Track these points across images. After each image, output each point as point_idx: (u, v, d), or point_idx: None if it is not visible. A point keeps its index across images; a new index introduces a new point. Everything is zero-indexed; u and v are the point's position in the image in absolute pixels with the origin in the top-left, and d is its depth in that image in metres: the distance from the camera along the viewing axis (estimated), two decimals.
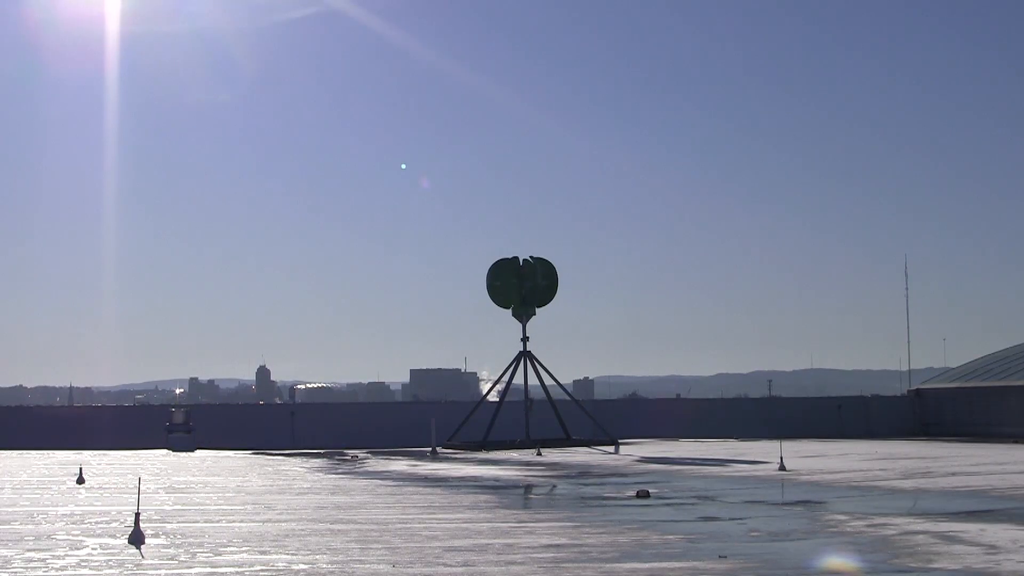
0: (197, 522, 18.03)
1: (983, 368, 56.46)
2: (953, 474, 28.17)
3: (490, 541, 15.39)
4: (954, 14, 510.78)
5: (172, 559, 13.77)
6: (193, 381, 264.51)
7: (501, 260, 48.84)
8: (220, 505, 21.23)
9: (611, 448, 43.74)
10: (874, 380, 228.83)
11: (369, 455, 41.49)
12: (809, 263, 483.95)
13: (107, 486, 26.23)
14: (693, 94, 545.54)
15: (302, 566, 13.13)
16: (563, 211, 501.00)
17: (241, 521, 18.22)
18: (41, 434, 48.17)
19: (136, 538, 15.16)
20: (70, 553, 14.28)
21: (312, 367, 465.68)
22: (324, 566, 13.11)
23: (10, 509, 20.43)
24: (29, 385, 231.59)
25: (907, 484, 25.31)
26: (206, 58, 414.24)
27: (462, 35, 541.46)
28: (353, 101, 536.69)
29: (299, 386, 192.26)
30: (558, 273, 49.18)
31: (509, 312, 48.29)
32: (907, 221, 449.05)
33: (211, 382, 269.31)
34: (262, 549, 14.68)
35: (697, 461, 35.69)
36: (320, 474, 31.14)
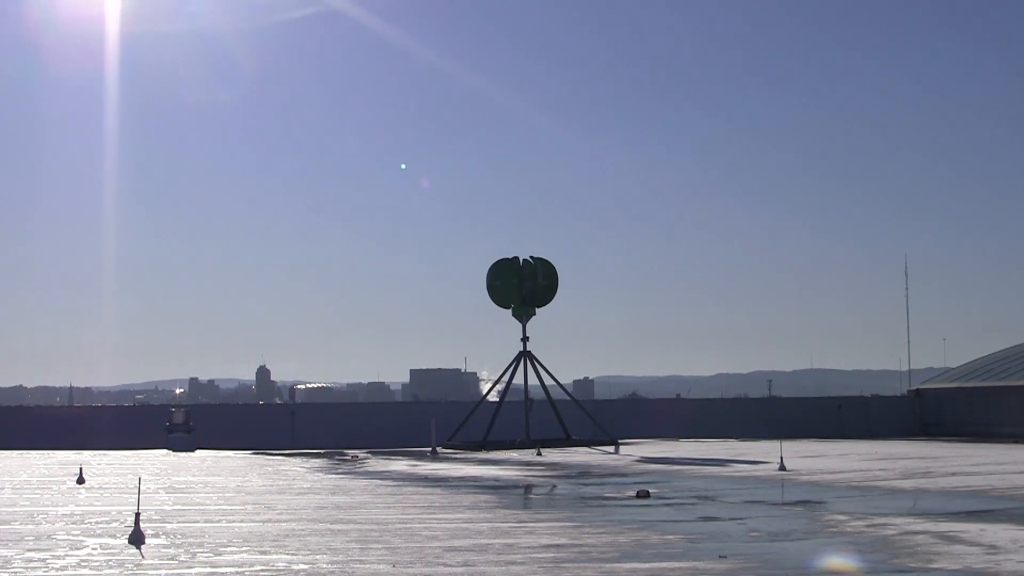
0: (197, 522, 18.03)
1: (983, 368, 56.47)
2: (953, 474, 28.17)
3: (490, 541, 15.40)
4: (954, 14, 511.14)
5: (172, 559, 13.77)
6: (193, 381, 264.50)
7: (501, 260, 48.86)
8: (220, 505, 21.24)
9: (611, 448, 43.74)
10: (874, 380, 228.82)
11: (369, 455, 41.50)
12: (809, 263, 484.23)
13: (107, 486, 26.23)
14: (693, 94, 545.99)
15: (302, 566, 13.13)
16: (563, 211, 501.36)
17: (241, 521, 18.23)
18: (41, 434, 48.19)
19: (136, 538, 15.16)
20: (70, 553, 14.28)
21: (312, 367, 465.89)
22: (324, 566, 13.11)
23: (10, 509, 20.44)
24: (29, 385, 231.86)
25: (907, 484, 25.32)
26: (206, 58, 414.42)
27: (462, 35, 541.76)
28: (353, 101, 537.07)
29: (299, 386, 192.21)
30: (558, 273, 49.22)
31: (509, 312, 48.30)
32: (907, 221, 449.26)
33: (211, 382, 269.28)
34: (262, 549, 14.68)
35: (697, 461, 35.69)
36: (320, 474, 31.14)
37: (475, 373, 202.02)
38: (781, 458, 31.95)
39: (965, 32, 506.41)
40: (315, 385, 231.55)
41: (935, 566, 12.93)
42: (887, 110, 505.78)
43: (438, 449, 43.31)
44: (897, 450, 40.56)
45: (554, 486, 27.07)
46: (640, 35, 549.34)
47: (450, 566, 13.16)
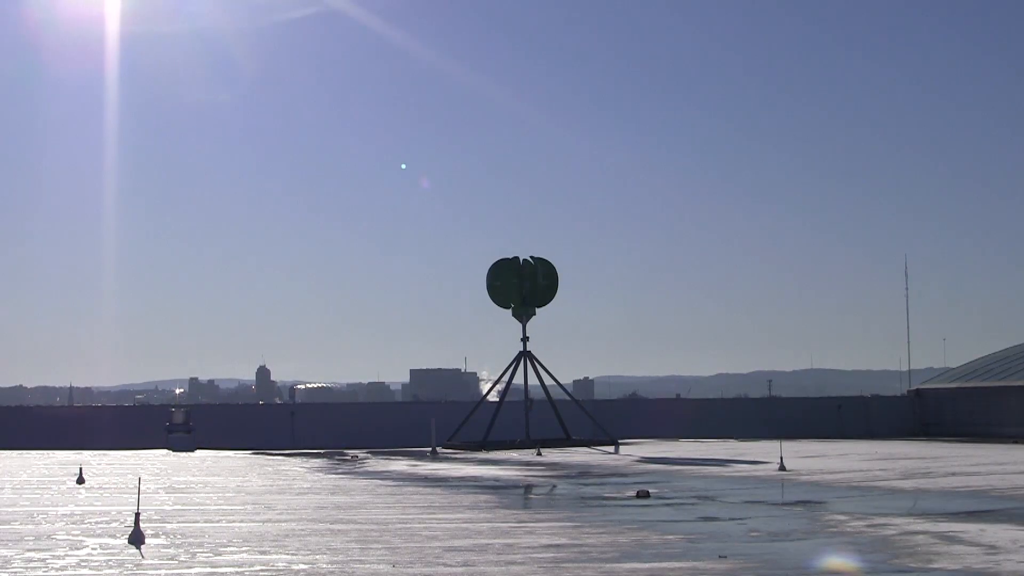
0: (197, 522, 18.03)
1: (983, 368, 56.48)
2: (953, 474, 28.17)
3: (490, 541, 15.40)
4: (954, 14, 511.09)
5: (172, 559, 13.78)
6: (193, 381, 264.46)
7: (501, 260, 48.86)
8: (220, 505, 21.24)
9: (611, 448, 43.75)
10: (874, 380, 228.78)
11: (369, 455, 41.50)
12: (809, 263, 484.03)
13: (107, 486, 26.23)
14: (693, 94, 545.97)
15: (302, 566, 13.13)
16: (563, 211, 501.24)
17: (241, 521, 18.23)
18: (41, 434, 48.19)
19: (136, 538, 15.16)
20: (70, 553, 14.28)
21: (312, 367, 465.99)
22: (324, 566, 13.12)
23: (10, 509, 20.44)
24: (29, 385, 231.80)
25: (907, 484, 25.32)
26: (206, 58, 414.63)
27: (462, 35, 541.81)
28: (353, 101, 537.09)
29: (299, 386, 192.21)
30: (558, 273, 49.22)
31: (509, 312, 48.30)
32: (907, 221, 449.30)
33: (211, 382, 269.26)
34: (262, 549, 14.68)
35: (697, 461, 35.69)
36: (320, 474, 31.15)
37: (475, 373, 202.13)
38: (781, 458, 31.95)
39: (965, 32, 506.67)
40: (315, 385, 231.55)
41: (935, 566, 12.93)
42: (887, 110, 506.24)
43: (438, 449, 43.31)
44: (897, 450, 40.57)
45: (554, 486, 27.07)
46: (640, 35, 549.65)
47: (450, 566, 13.16)
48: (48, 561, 13.55)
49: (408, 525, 17.57)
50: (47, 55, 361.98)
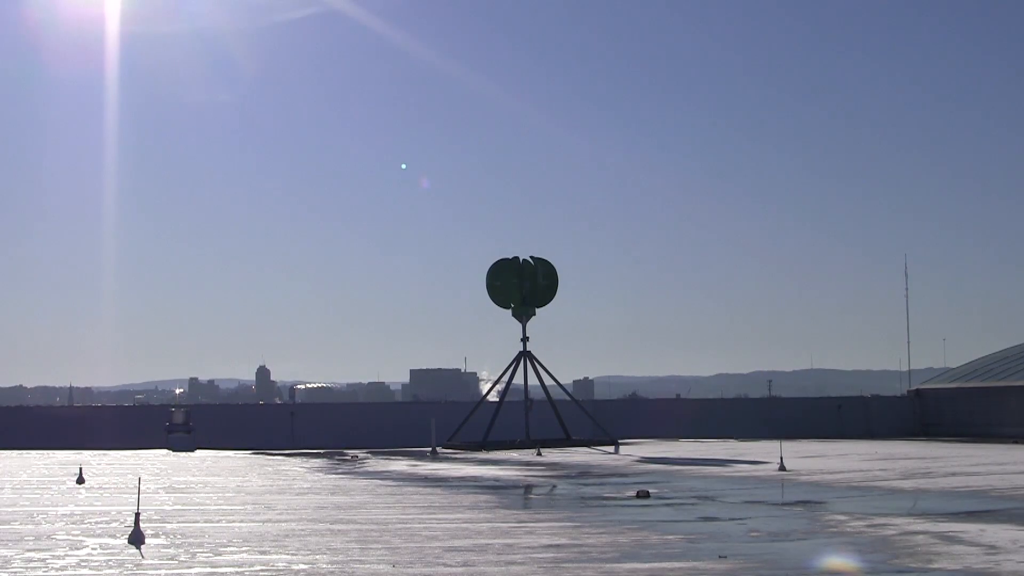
0: (197, 522, 18.03)
1: (983, 368, 56.47)
2: (953, 474, 28.17)
3: (490, 541, 15.40)
4: (954, 14, 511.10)
5: (172, 559, 13.78)
6: (193, 381, 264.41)
7: (501, 260, 48.86)
8: (220, 505, 21.24)
9: (611, 448, 43.75)
10: (874, 380, 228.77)
11: (369, 455, 41.50)
12: (809, 263, 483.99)
13: (107, 486, 26.24)
14: (693, 94, 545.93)
15: (302, 566, 13.13)
16: (563, 211, 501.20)
17: (241, 521, 18.23)
18: (41, 434, 48.19)
19: (136, 538, 15.16)
20: (70, 553, 14.28)
21: (312, 367, 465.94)
22: (324, 566, 13.12)
23: (10, 509, 20.44)
24: (29, 385, 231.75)
25: (907, 484, 25.32)
26: (206, 58, 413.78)
27: (462, 35, 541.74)
28: (353, 101, 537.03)
29: (299, 386, 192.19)
30: (558, 273, 49.22)
31: (509, 312, 48.30)
32: (907, 221, 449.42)
33: (211, 382, 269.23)
34: (262, 549, 14.68)
35: (697, 461, 35.69)
36: (320, 474, 31.14)
37: (475, 373, 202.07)
38: (781, 458, 31.95)
39: (965, 32, 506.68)
40: (315, 385, 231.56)
41: (935, 566, 12.93)
42: (887, 110, 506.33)
43: (438, 449, 43.31)
44: (897, 450, 40.56)
45: (554, 486, 27.07)
46: (640, 35, 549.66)
47: (450, 566, 13.16)
48: (48, 561, 13.55)
49: (408, 525, 17.57)
50: (47, 55, 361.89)
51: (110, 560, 13.69)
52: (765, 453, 37.66)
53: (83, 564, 13.38)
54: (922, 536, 15.60)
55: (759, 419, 55.67)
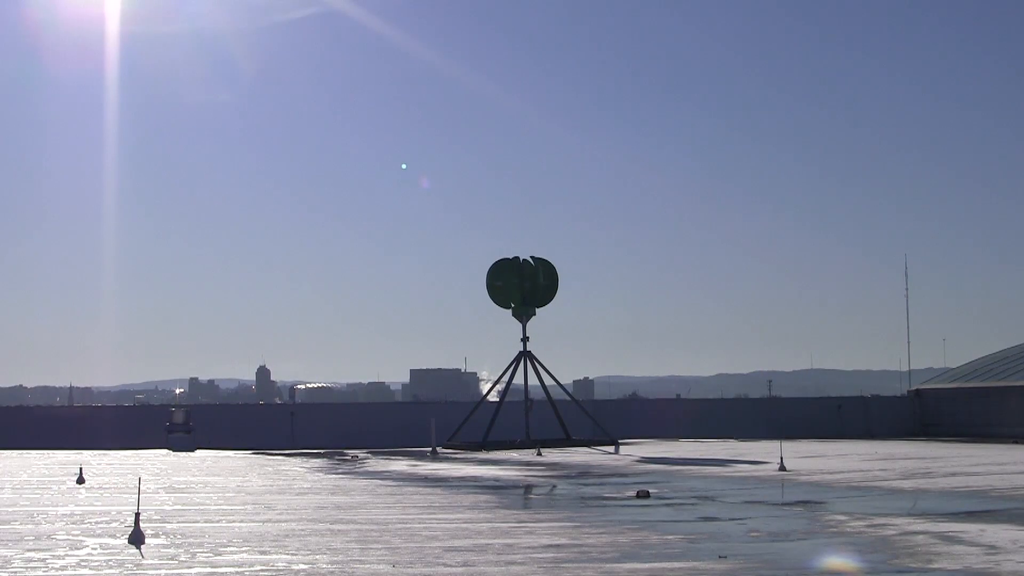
0: (197, 522, 18.03)
1: (983, 368, 56.46)
2: (953, 474, 28.17)
3: (490, 541, 15.40)
4: (954, 14, 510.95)
5: (172, 559, 13.78)
6: (193, 381, 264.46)
7: (501, 260, 48.83)
8: (220, 505, 21.24)
9: (611, 448, 43.74)
10: (874, 380, 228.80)
11: (369, 455, 41.49)
12: (809, 263, 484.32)
13: (107, 486, 26.23)
14: (693, 94, 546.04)
15: (302, 566, 13.13)
16: (563, 211, 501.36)
17: (241, 521, 18.23)
18: (41, 434, 48.18)
19: (136, 538, 15.16)
20: (70, 553, 14.28)
21: (312, 367, 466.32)
22: (324, 566, 13.12)
23: (10, 509, 20.44)
24: (29, 385, 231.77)
25: (907, 484, 25.32)
26: (206, 58, 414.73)
27: (462, 35, 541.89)
28: (353, 101, 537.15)
29: (299, 386, 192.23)
30: (558, 273, 49.21)
31: (509, 312, 48.28)
32: (907, 221, 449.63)
33: (211, 382, 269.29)
34: (262, 549, 14.68)
35: (697, 461, 35.69)
36: (320, 474, 31.14)
37: (475, 373, 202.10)
38: (781, 458, 31.94)
39: (965, 32, 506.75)
40: (315, 385, 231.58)
41: (935, 566, 12.93)
42: (887, 110, 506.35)
43: (438, 449, 43.30)
44: (897, 450, 40.56)
45: (554, 486, 27.07)
46: (640, 35, 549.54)
47: (450, 566, 13.16)
48: (48, 561, 13.55)
49: (408, 525, 17.57)
50: (47, 55, 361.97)
51: (110, 560, 13.69)
52: (765, 453, 37.65)
53: (83, 564, 13.38)
54: (922, 536, 15.60)
55: (759, 419, 55.65)
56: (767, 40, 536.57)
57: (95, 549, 14.69)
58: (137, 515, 16.03)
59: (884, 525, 17.01)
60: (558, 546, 14.85)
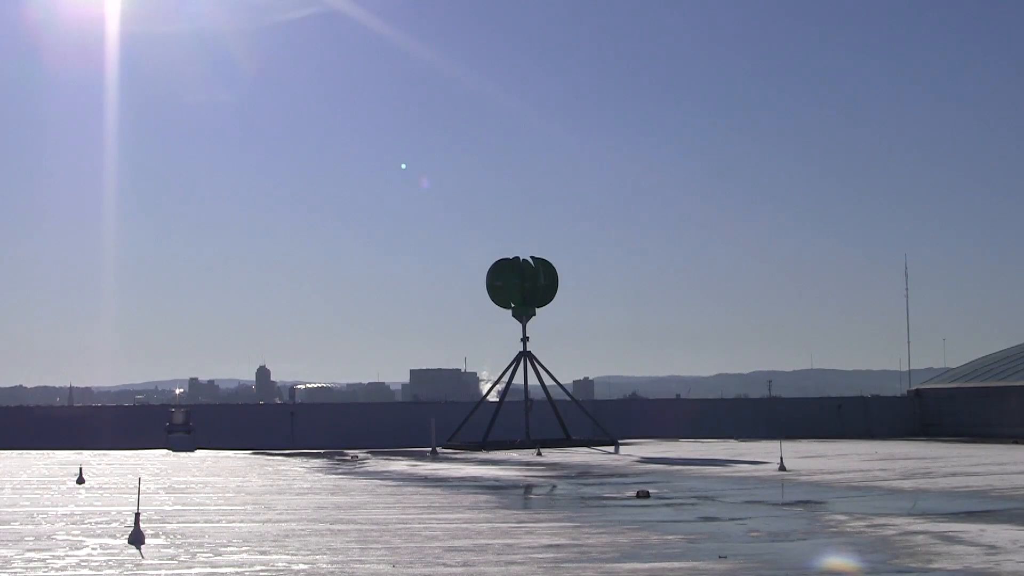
0: (197, 522, 18.03)
1: (983, 368, 56.46)
2: (953, 474, 28.17)
3: (490, 541, 15.40)
4: (954, 14, 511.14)
5: (172, 559, 13.78)
6: (193, 381, 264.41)
7: (502, 260, 48.83)
8: (220, 505, 21.24)
9: (611, 448, 43.74)
10: (874, 380, 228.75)
11: (369, 455, 41.49)
12: (809, 263, 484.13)
13: (107, 486, 26.24)
14: (693, 94, 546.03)
15: (302, 566, 13.13)
16: (563, 211, 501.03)
17: (241, 521, 18.23)
18: (41, 434, 48.17)
19: (136, 538, 15.16)
20: (70, 553, 14.29)
21: (312, 367, 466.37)
22: (324, 566, 13.12)
23: (10, 509, 20.44)
24: (29, 385, 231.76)
25: (907, 484, 25.32)
26: (206, 58, 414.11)
27: (462, 35, 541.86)
28: (353, 101, 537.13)
29: (299, 386, 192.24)
30: (558, 273, 49.21)
31: (509, 312, 48.27)
32: (907, 221, 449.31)
33: (211, 382, 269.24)
34: (262, 549, 14.68)
35: (697, 461, 35.69)
36: (320, 474, 31.14)
37: (475, 373, 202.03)
38: (781, 458, 31.95)
39: (965, 32, 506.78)
40: (315, 385, 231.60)
41: (935, 566, 12.93)
42: (887, 110, 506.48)
43: (438, 449, 43.30)
44: (897, 450, 40.56)
45: (554, 486, 27.07)
46: (640, 35, 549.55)
47: (450, 566, 13.16)
48: (48, 561, 13.55)
49: (408, 525, 17.57)
50: (47, 55, 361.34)
51: (110, 560, 13.69)
52: (765, 453, 37.66)
53: (83, 564, 13.38)
54: (922, 536, 15.60)
55: (759, 419, 55.64)
56: (767, 40, 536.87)
57: (95, 549, 14.70)
58: (137, 515, 16.03)
59: (884, 525, 17.02)
60: (558, 546, 14.85)
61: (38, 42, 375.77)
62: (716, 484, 26.07)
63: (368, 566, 13.14)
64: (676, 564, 13.20)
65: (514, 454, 41.35)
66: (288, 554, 14.17)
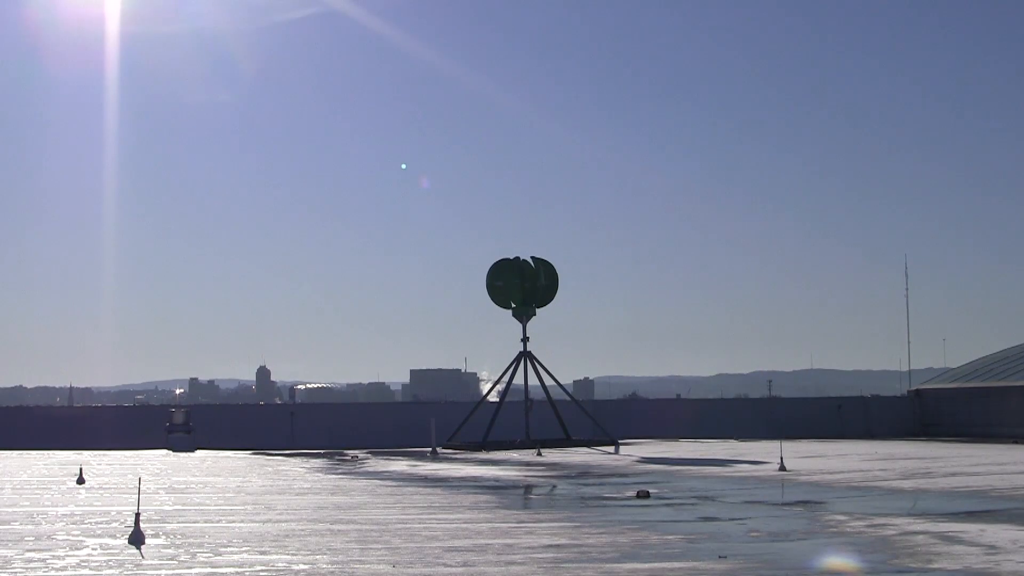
0: (197, 522, 18.04)
1: (983, 368, 56.45)
2: (953, 474, 28.17)
3: (490, 541, 15.40)
4: (954, 14, 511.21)
5: (172, 559, 13.78)
6: (193, 381, 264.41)
7: (502, 260, 48.82)
8: (220, 505, 21.24)
9: (611, 448, 43.74)
10: (874, 380, 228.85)
11: (369, 455, 41.49)
12: (809, 263, 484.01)
13: (107, 486, 26.24)
14: (693, 94, 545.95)
15: (302, 566, 13.13)
16: (563, 211, 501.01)
17: (241, 521, 18.23)
18: (41, 434, 48.16)
19: (136, 538, 15.16)
20: (70, 553, 14.29)
21: (312, 367, 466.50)
22: (324, 566, 13.12)
23: (10, 509, 20.44)
24: (29, 385, 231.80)
25: (907, 484, 25.32)
26: (206, 58, 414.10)
27: (462, 35, 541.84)
28: (353, 101, 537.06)
29: (299, 386, 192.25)
30: (558, 273, 49.21)
31: (509, 312, 48.27)
32: (907, 221, 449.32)
33: (211, 382, 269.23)
34: (262, 549, 14.68)
35: (697, 461, 35.69)
36: (320, 474, 31.14)
37: (475, 373, 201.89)
38: (781, 458, 31.95)
39: (965, 32, 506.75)
40: (315, 385, 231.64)
41: (935, 566, 12.93)
42: (887, 110, 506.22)
43: (438, 449, 43.30)
44: (897, 450, 40.56)
45: (554, 486, 27.07)
46: (640, 35, 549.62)
47: (450, 566, 13.16)
48: (48, 561, 13.55)
49: (408, 525, 17.57)
50: (47, 55, 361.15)
51: (110, 560, 13.69)
52: (765, 453, 37.66)
53: (83, 564, 13.38)
54: (922, 536, 15.60)
55: (759, 419, 55.62)
56: (767, 40, 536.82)
57: (95, 549, 14.70)
58: (137, 515, 16.03)
59: (884, 525, 17.02)
60: (558, 546, 14.85)
61: (38, 42, 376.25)
62: (716, 484, 26.07)
63: (368, 566, 13.14)
64: (676, 564, 13.20)
65: (514, 454, 41.35)
66: (288, 554, 14.17)
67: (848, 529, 16.72)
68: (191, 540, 15.58)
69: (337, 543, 15.24)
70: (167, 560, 13.69)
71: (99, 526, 17.48)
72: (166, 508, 20.51)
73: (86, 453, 42.25)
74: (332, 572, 12.71)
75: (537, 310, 48.21)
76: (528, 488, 26.56)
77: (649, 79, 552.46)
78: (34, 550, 14.57)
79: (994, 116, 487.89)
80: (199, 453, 43.40)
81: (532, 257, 48.90)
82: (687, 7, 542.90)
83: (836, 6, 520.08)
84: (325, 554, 14.14)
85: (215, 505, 21.28)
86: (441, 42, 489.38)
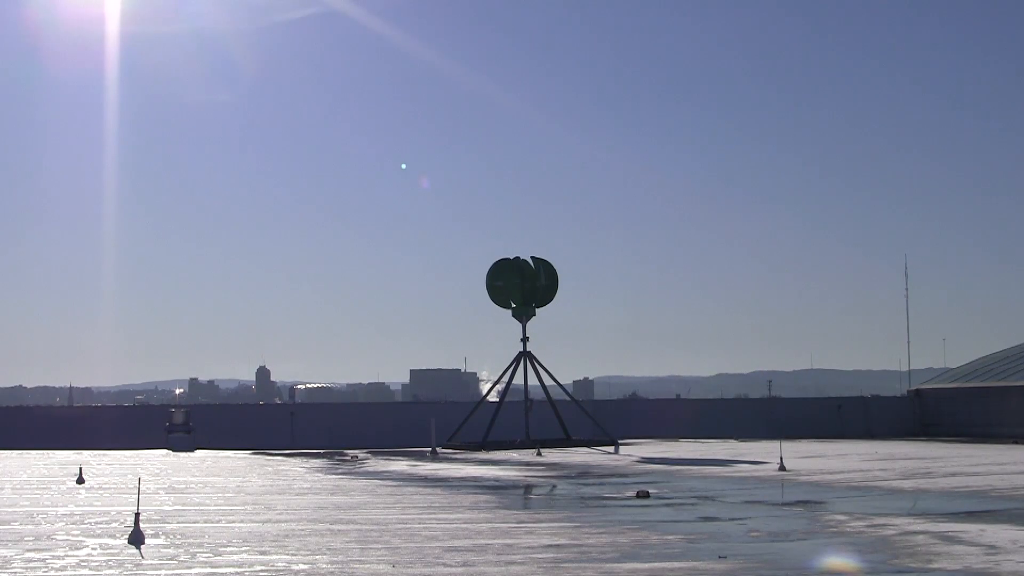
0: (197, 522, 18.03)
1: (983, 368, 56.46)
2: (953, 474, 28.17)
3: (490, 541, 15.40)
4: (954, 14, 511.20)
5: (172, 559, 13.78)
6: (193, 381, 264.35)
7: (502, 260, 48.83)
8: (220, 505, 21.24)
9: (611, 448, 43.74)
10: (874, 380, 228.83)
11: (369, 455, 41.49)
12: (809, 263, 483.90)
13: (107, 486, 26.24)
14: (693, 94, 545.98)
15: (302, 566, 13.13)
16: (563, 211, 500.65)
17: (241, 521, 18.23)
18: (41, 434, 48.16)
19: (136, 538, 15.16)
20: (70, 553, 14.29)
21: (312, 367, 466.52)
22: (324, 566, 13.12)
23: (10, 509, 20.44)
24: (29, 385, 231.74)
25: (907, 484, 25.32)
26: (206, 58, 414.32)
27: (462, 35, 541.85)
28: (353, 101, 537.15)
29: (299, 386, 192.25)
30: (558, 273, 49.21)
31: (509, 312, 48.27)
32: (907, 221, 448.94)
33: (211, 382, 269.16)
34: (262, 549, 14.68)
35: (697, 461, 35.69)
36: (320, 474, 31.14)
37: (475, 373, 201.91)
38: (781, 458, 31.95)
39: (965, 32, 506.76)
40: (315, 385, 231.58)
41: (935, 566, 12.93)
42: (887, 110, 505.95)
43: (438, 449, 43.29)
44: (897, 450, 40.56)
45: (554, 486, 27.07)
46: (640, 35, 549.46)
47: (450, 566, 13.16)
48: (48, 561, 13.55)
49: (408, 525, 17.57)
50: (47, 55, 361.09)
51: (110, 560, 13.69)
52: (765, 453, 37.66)
53: (83, 564, 13.38)
54: (922, 536, 15.60)
55: (759, 419, 55.62)
56: (767, 40, 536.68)
57: (95, 549, 14.70)
58: (137, 515, 16.03)
59: (884, 525, 17.02)
60: (558, 546, 14.85)
61: (38, 42, 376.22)
62: (716, 484, 26.07)
63: (368, 566, 13.14)
64: (676, 564, 13.20)
65: (514, 454, 41.35)
66: (288, 554, 14.17)
67: (848, 529, 16.73)
68: (191, 540, 15.58)
69: (337, 543, 15.24)
70: (167, 560, 13.69)
71: (99, 526, 17.48)
72: (166, 508, 20.51)
73: (86, 453, 42.25)
74: (332, 572, 12.71)
75: (537, 310, 48.21)
76: (528, 488, 26.56)
77: (649, 79, 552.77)
78: (34, 550, 14.57)
79: (994, 116, 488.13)
80: (199, 453, 43.39)
81: (532, 257, 48.91)
82: (687, 7, 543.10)
83: (836, 6, 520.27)
84: (325, 554, 14.14)
85: (215, 505, 21.28)
86: (441, 42, 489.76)
